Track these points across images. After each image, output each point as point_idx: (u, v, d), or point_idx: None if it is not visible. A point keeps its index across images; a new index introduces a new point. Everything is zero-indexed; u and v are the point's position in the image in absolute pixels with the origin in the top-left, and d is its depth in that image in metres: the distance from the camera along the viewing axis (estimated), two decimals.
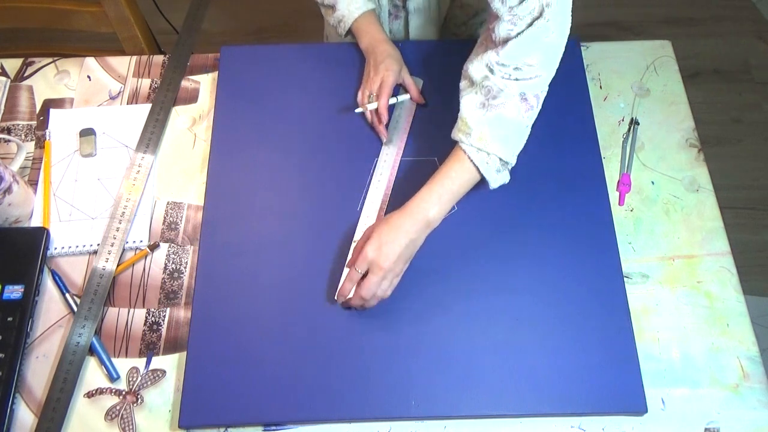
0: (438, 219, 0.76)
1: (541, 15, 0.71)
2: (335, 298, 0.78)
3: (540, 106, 0.76)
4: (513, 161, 0.76)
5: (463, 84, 0.79)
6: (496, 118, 0.73)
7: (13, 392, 0.75)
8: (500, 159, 0.75)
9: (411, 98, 0.92)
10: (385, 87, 0.88)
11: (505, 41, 0.73)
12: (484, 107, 0.74)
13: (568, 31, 0.74)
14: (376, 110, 0.89)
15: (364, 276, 0.74)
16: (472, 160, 0.74)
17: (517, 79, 0.73)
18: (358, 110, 0.89)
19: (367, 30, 0.92)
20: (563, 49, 0.74)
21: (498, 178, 0.77)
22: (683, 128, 0.94)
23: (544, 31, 0.71)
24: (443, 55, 0.97)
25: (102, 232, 0.85)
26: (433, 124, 0.91)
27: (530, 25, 0.71)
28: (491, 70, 0.74)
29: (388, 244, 0.73)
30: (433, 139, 0.90)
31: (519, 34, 0.72)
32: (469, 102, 0.76)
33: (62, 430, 0.74)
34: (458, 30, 1.03)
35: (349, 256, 0.80)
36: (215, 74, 0.98)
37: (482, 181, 0.77)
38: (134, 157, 0.90)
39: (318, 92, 0.94)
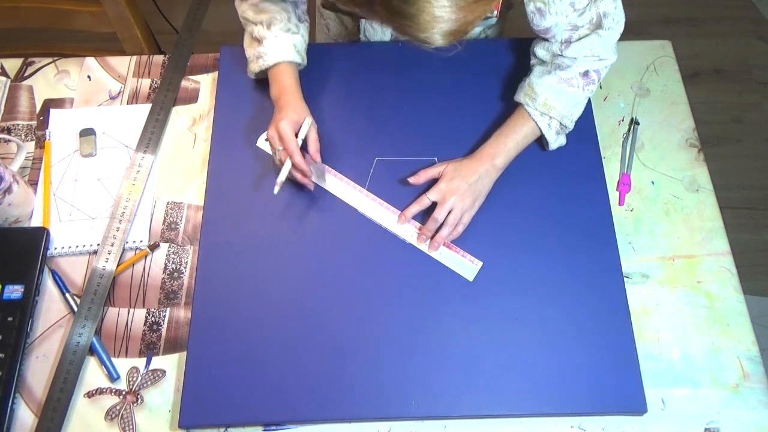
0: (503, 166, 0.84)
1: (600, 26, 0.80)
2: (397, 218, 0.83)
3: (600, 81, 0.85)
4: (571, 127, 0.85)
5: (533, 60, 0.88)
6: (561, 89, 0.83)
7: (13, 392, 0.75)
8: (560, 123, 0.84)
9: (309, 152, 0.84)
10: (288, 140, 0.81)
11: (568, 42, 0.82)
12: (551, 76, 0.83)
13: (624, 20, 0.82)
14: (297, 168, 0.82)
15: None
16: (535, 122, 0.83)
17: (585, 56, 0.82)
18: (277, 190, 0.80)
19: (280, 79, 0.86)
20: (621, 33, 0.83)
21: (557, 140, 0.86)
22: (683, 128, 0.94)
23: (605, 35, 0.81)
24: (441, 55, 0.97)
25: (102, 232, 0.85)
26: (433, 124, 0.91)
27: (590, 33, 0.81)
28: (559, 55, 0.84)
29: (460, 177, 0.81)
30: (433, 139, 0.90)
31: (580, 38, 0.81)
32: (538, 71, 0.85)
33: (62, 430, 0.74)
34: None
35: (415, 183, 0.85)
36: (215, 74, 0.98)
37: (541, 142, 0.87)
38: (134, 157, 0.90)
39: (316, 91, 0.94)
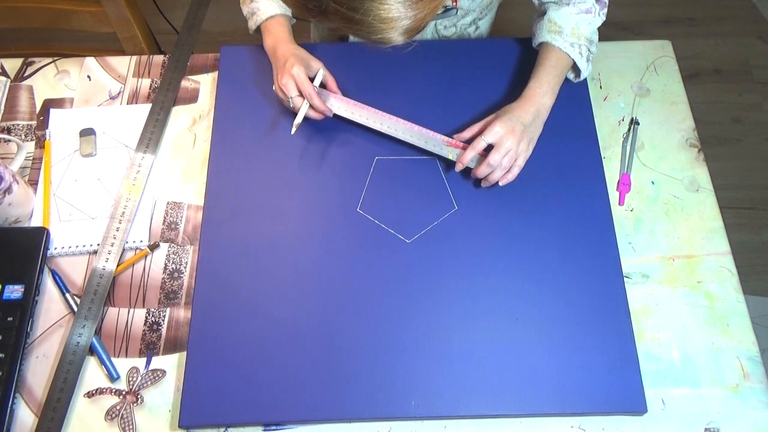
0: (551, 104, 0.85)
1: None
2: (456, 165, 0.82)
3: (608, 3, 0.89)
4: (595, 52, 0.89)
5: (539, 6, 0.91)
6: (581, 18, 0.86)
7: (13, 392, 0.75)
8: (588, 48, 0.87)
9: (329, 89, 0.89)
10: (303, 83, 0.84)
11: None
12: (569, 7, 0.86)
13: None
14: (315, 109, 0.86)
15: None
16: (568, 54, 0.86)
17: None
18: (294, 130, 0.85)
19: (274, 30, 0.90)
20: None
21: (588, 68, 0.88)
22: (683, 128, 0.94)
23: None
24: (438, 55, 0.97)
25: (102, 232, 0.85)
26: (432, 123, 0.91)
27: None
28: None
29: (517, 119, 0.81)
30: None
31: None
32: (553, 8, 0.88)
33: (62, 430, 0.74)
34: (447, 32, 1.03)
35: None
36: (215, 74, 0.98)
37: (570, 77, 0.90)
38: (134, 157, 0.90)
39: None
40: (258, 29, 0.92)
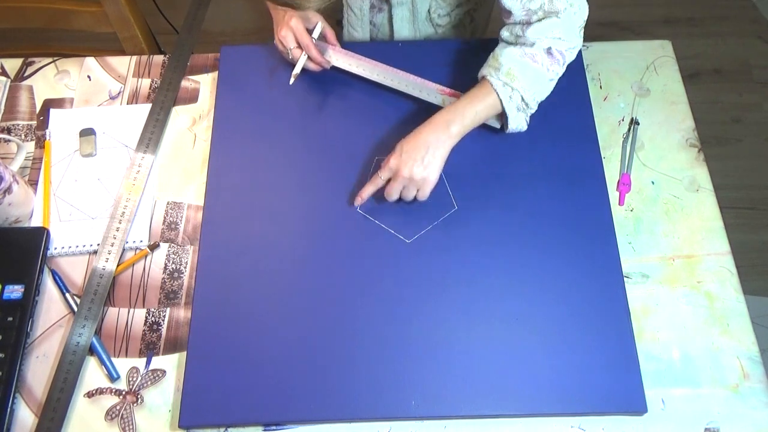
0: (458, 134, 0.81)
1: (555, 11, 0.79)
2: (356, 199, 0.83)
3: (565, 66, 0.82)
4: (534, 107, 0.83)
5: (500, 42, 0.86)
6: (525, 62, 0.80)
7: (13, 392, 0.75)
8: (522, 98, 0.81)
9: (328, 42, 0.92)
10: (301, 34, 0.87)
11: (528, 23, 0.81)
12: (515, 48, 0.81)
13: (586, 6, 0.81)
14: (313, 60, 0.89)
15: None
16: (497, 92, 0.80)
17: (546, 37, 0.80)
18: (293, 81, 0.88)
19: None
20: (585, 19, 0.81)
21: (517, 118, 0.83)
22: (683, 128, 0.94)
23: (565, 16, 0.79)
24: (438, 55, 0.97)
25: (102, 232, 0.85)
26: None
27: (547, 17, 0.79)
28: (521, 36, 0.81)
29: (409, 152, 0.79)
30: None
31: (539, 20, 0.80)
32: (502, 45, 0.84)
33: (62, 430, 0.74)
34: (441, 21, 1.03)
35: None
36: (215, 74, 0.98)
37: (500, 126, 0.86)
38: (134, 157, 0.90)
39: (316, 90, 0.94)
40: None
